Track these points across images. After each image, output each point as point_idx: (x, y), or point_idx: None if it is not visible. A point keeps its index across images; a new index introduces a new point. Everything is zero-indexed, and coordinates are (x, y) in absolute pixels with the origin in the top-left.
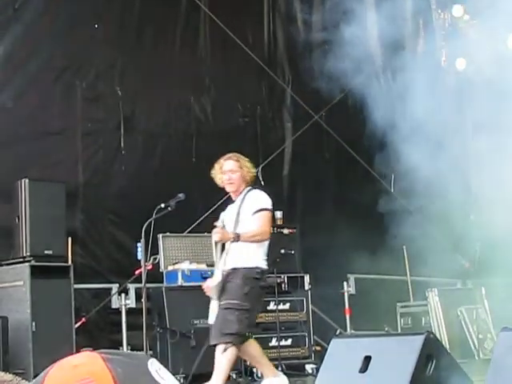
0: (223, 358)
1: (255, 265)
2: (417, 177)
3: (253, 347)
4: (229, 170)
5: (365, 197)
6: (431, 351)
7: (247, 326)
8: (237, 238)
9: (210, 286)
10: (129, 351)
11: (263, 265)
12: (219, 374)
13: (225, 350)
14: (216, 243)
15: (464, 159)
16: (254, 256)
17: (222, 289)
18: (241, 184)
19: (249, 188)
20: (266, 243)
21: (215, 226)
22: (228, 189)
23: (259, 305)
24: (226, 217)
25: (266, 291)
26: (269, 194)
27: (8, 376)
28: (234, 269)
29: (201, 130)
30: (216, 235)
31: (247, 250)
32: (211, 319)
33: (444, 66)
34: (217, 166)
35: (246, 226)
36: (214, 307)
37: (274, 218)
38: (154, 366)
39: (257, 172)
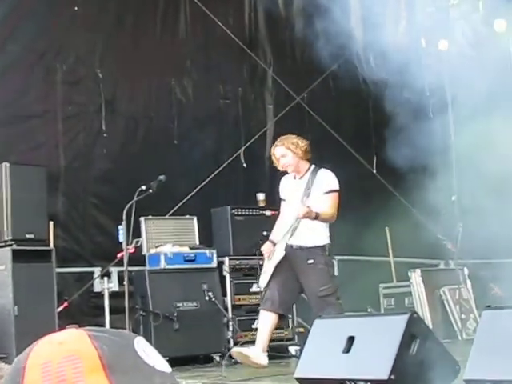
0: None
1: (326, 242)
2: (399, 157)
3: (273, 321)
4: (280, 156)
5: (347, 178)
6: (415, 331)
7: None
8: (317, 216)
9: (276, 251)
10: (115, 329)
11: (329, 240)
12: None
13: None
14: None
15: (446, 139)
16: (324, 233)
17: (296, 265)
18: (297, 162)
19: (313, 166)
20: None
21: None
22: (289, 171)
23: None
24: (289, 191)
25: None
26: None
27: None
28: (309, 248)
29: (182, 112)
30: (302, 212)
31: (317, 229)
32: (263, 282)
33: (424, 46)
34: (273, 157)
35: (316, 203)
36: (268, 269)
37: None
38: (141, 345)
39: (239, 154)
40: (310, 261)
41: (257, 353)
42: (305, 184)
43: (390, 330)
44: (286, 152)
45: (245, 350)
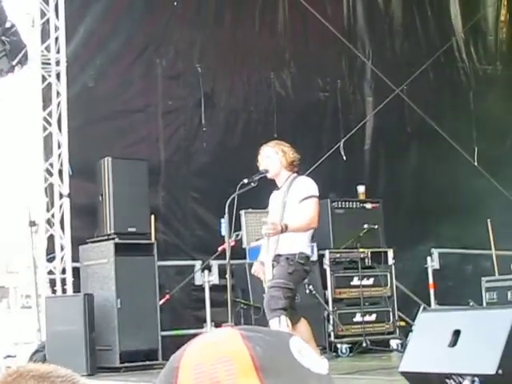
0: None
1: (299, 250)
2: (500, 149)
3: (304, 328)
4: (265, 157)
5: (448, 170)
6: None
7: (290, 304)
8: (285, 229)
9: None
10: (269, 329)
11: (307, 250)
12: None
13: (279, 322)
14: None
15: None
16: (298, 242)
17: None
18: (279, 170)
19: (294, 175)
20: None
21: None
22: (268, 176)
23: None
24: (272, 204)
25: (307, 276)
26: (315, 181)
27: (62, 371)
28: (278, 255)
29: (281, 105)
30: (268, 231)
31: (291, 237)
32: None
33: None
34: (259, 156)
35: (292, 214)
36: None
37: (320, 205)
38: (297, 345)
39: (338, 146)
40: (276, 262)
41: None
42: (282, 195)
43: (497, 323)
44: (273, 155)
45: None
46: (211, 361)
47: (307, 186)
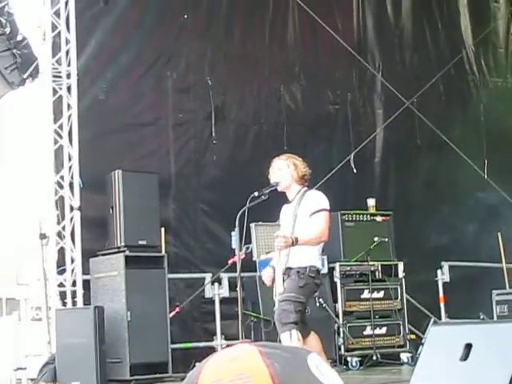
0: (293, 344)
1: (309, 264)
2: (511, 162)
3: (314, 341)
4: (277, 169)
5: (458, 183)
6: None
7: (301, 317)
8: (295, 242)
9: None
10: (288, 345)
11: (318, 264)
12: None
13: (290, 336)
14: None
15: None
16: (309, 256)
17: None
18: (290, 183)
19: (305, 189)
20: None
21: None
22: (279, 189)
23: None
24: (283, 218)
25: (318, 289)
26: (325, 194)
27: None
28: (289, 268)
29: (291, 118)
30: (280, 244)
31: (302, 250)
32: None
33: None
34: (270, 169)
35: (303, 227)
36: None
37: (331, 218)
38: (315, 362)
39: (349, 159)
40: (286, 275)
41: None
42: (293, 208)
43: (509, 337)
44: (285, 168)
45: None
46: (230, 377)
47: (318, 199)
